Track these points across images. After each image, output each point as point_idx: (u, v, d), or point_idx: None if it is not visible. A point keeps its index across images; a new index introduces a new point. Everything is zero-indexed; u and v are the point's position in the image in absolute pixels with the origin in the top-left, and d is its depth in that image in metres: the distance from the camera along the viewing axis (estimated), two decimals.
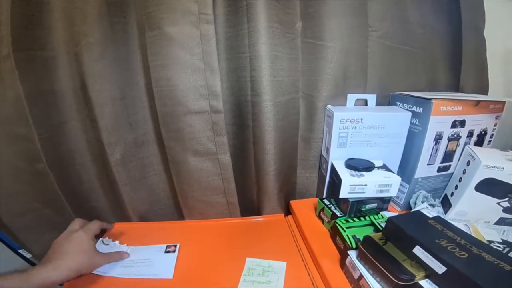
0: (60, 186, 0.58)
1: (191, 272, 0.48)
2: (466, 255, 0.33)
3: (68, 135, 0.57)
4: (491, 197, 0.50)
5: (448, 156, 0.55)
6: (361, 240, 0.41)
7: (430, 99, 0.50)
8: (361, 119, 0.53)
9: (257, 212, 0.65)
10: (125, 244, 0.55)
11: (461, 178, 0.54)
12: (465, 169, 0.54)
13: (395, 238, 0.39)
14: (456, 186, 0.55)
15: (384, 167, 0.53)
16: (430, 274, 0.34)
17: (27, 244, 0.59)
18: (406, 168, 0.56)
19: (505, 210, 0.50)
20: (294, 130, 0.59)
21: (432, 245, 0.35)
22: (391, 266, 0.36)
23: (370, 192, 0.49)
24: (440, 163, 0.56)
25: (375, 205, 0.50)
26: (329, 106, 0.57)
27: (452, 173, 0.58)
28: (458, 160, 0.56)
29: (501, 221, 0.52)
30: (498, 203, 0.50)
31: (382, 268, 0.36)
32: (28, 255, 0.61)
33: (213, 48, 0.48)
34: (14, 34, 0.46)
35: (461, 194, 0.52)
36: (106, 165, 0.57)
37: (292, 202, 0.64)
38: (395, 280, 0.35)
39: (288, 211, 0.65)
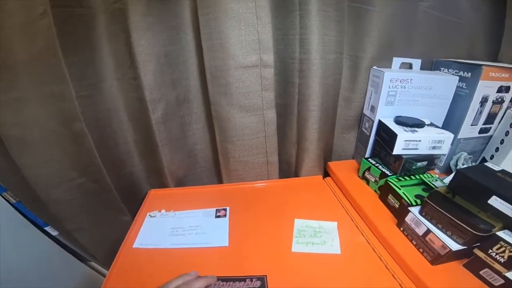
0: (97, 149, 0.56)
1: (243, 238, 0.47)
2: None
3: (106, 93, 0.55)
4: None
5: (490, 118, 0.56)
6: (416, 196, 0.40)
7: (480, 65, 0.51)
8: (411, 79, 0.53)
9: (294, 174, 0.66)
10: (172, 210, 0.54)
11: (503, 140, 0.55)
12: (508, 131, 0.54)
13: (465, 191, 0.38)
14: (497, 149, 0.56)
15: (433, 125, 0.53)
16: (509, 224, 0.33)
17: (60, 219, 0.55)
18: (449, 128, 0.56)
19: None
20: (337, 89, 0.59)
21: (510, 194, 0.33)
22: (467, 217, 0.34)
23: (423, 149, 0.49)
24: (483, 124, 0.56)
25: (425, 163, 0.50)
26: (375, 67, 0.57)
27: (491, 135, 0.58)
28: (499, 123, 0.57)
29: None
30: None
31: (456, 220, 0.35)
32: (55, 233, 0.58)
33: (266, 2, 0.47)
34: None
35: (504, 156, 0.53)
36: (146, 124, 0.56)
37: (331, 164, 0.64)
38: (472, 230, 0.33)
39: (325, 173, 0.65)
